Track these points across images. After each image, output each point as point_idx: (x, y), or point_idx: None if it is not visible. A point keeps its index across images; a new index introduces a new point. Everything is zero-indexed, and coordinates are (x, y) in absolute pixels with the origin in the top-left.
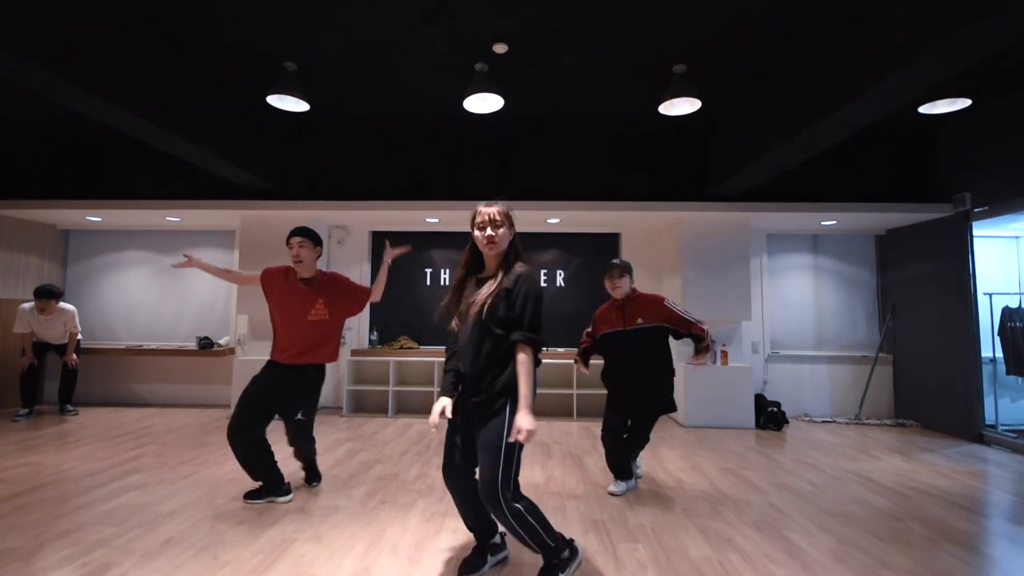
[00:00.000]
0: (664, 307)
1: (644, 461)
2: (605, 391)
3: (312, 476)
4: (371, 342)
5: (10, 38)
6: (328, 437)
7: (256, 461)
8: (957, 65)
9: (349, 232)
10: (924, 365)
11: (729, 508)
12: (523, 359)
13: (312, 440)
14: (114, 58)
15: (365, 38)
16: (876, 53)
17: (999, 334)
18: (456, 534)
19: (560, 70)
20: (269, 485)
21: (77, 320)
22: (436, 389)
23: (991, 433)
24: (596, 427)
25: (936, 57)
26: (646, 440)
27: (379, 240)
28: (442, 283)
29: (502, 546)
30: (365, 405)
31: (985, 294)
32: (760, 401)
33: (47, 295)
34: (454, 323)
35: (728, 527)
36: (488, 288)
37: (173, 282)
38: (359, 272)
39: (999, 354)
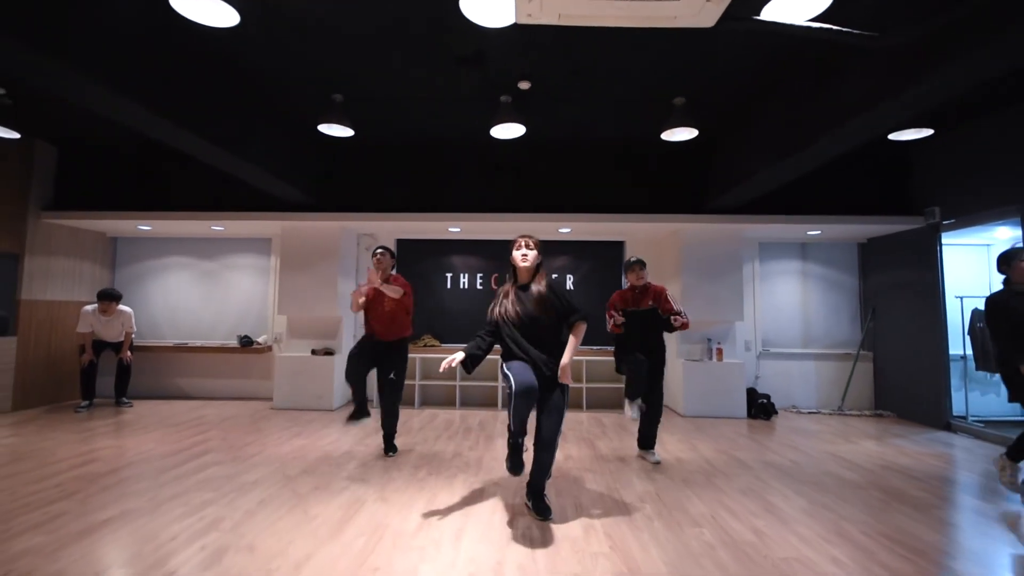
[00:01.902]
0: (665, 297)
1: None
2: (610, 385)
3: (389, 447)
4: None
5: (100, 72)
6: (367, 425)
7: (359, 385)
8: (913, 110)
9: (377, 240)
10: (900, 361)
11: (720, 479)
12: (580, 331)
13: (399, 398)
14: (187, 88)
15: (404, 75)
16: (846, 95)
17: (969, 333)
18: (497, 500)
19: (575, 102)
20: (360, 407)
21: (133, 321)
22: (457, 383)
23: (959, 422)
24: (605, 417)
25: (892, 106)
26: (659, 394)
27: (404, 247)
28: (461, 287)
29: None
30: None
31: (956, 297)
32: (752, 394)
33: (109, 298)
34: (502, 317)
35: (719, 492)
36: (539, 301)
37: (214, 285)
38: None
39: (969, 351)
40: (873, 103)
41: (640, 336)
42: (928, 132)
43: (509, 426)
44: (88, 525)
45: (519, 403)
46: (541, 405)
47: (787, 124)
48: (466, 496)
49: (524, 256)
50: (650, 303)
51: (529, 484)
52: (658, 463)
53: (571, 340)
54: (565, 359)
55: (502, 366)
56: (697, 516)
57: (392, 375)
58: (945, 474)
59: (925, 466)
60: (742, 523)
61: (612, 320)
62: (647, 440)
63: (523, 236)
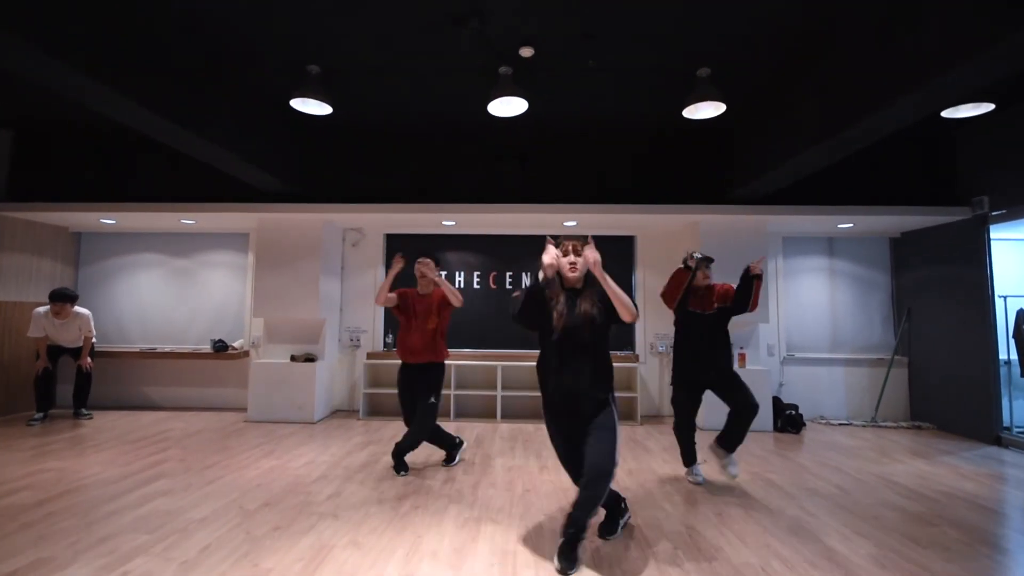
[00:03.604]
0: (730, 289)
1: (669, 465)
2: (624, 395)
3: (400, 466)
4: (386, 345)
5: (41, 38)
6: (349, 440)
7: (434, 437)
8: (989, 76)
9: (364, 235)
10: (940, 367)
11: (761, 513)
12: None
13: (432, 422)
14: (140, 59)
15: (389, 42)
16: (909, 62)
17: (1014, 336)
18: (494, 540)
19: (584, 73)
20: (450, 450)
21: (92, 324)
22: (452, 392)
23: (1008, 436)
24: (623, 429)
25: (970, 68)
26: (751, 405)
27: (393, 243)
28: (457, 285)
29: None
30: (381, 408)
31: (1000, 296)
32: (777, 404)
33: (62, 299)
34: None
35: (763, 531)
36: (586, 307)
37: (186, 284)
38: (374, 275)
39: (1014, 356)
40: (944, 69)
41: (701, 344)
42: (989, 107)
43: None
44: None
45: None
46: (584, 430)
47: (834, 98)
48: (458, 538)
49: (572, 265)
50: (716, 305)
51: (569, 514)
52: (735, 476)
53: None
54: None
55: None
56: (743, 568)
57: (432, 399)
58: (1018, 502)
59: (993, 491)
60: None
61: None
62: (730, 440)
63: (567, 239)
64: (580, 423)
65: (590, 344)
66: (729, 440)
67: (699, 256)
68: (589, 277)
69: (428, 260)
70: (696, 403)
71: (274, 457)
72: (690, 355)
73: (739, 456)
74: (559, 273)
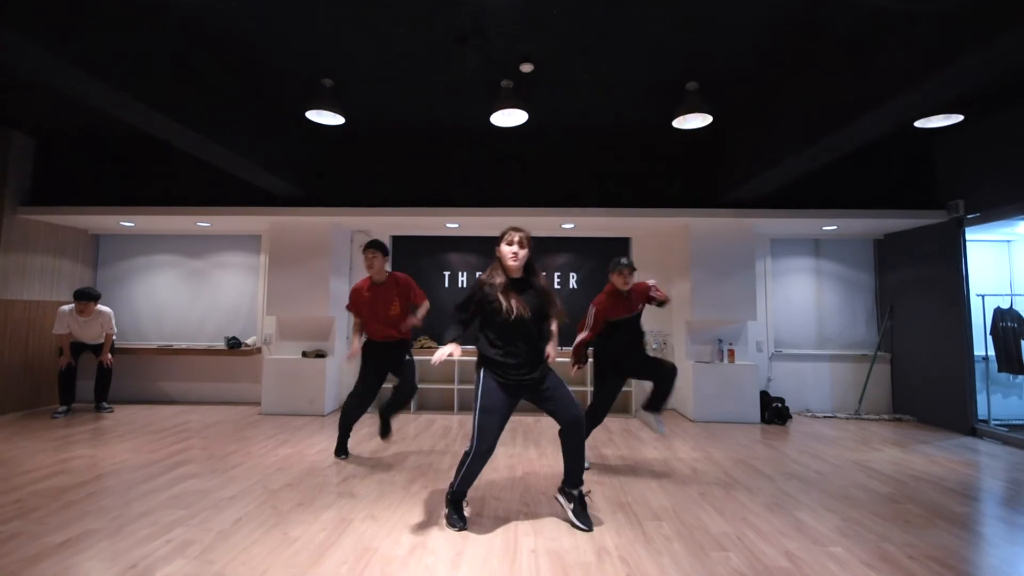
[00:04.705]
0: (649, 287)
1: (659, 452)
2: (624, 389)
3: (386, 429)
4: None
5: (67, 49)
6: (358, 431)
7: (346, 426)
8: (958, 88)
9: (371, 236)
10: (920, 363)
11: (742, 492)
12: (555, 326)
13: (414, 382)
14: (168, 74)
15: (397, 57)
16: (882, 76)
17: (991, 333)
18: (497, 514)
19: (580, 86)
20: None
21: (113, 321)
22: (456, 387)
23: (983, 427)
24: (610, 421)
25: (936, 82)
26: (668, 366)
27: (400, 244)
28: (460, 286)
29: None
30: None
31: (978, 295)
32: (765, 397)
33: (87, 297)
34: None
35: (742, 508)
36: (530, 301)
37: (201, 284)
38: None
39: (991, 352)
40: (911, 84)
41: (630, 345)
42: (958, 118)
43: (453, 483)
44: (41, 550)
45: (476, 465)
46: (542, 396)
47: (814, 108)
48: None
49: (515, 255)
50: (640, 306)
51: (566, 480)
52: (663, 434)
53: (554, 331)
54: (553, 344)
55: (479, 391)
56: (720, 536)
57: (408, 356)
58: (982, 485)
59: (959, 476)
60: (772, 545)
61: (587, 333)
62: (656, 402)
63: (514, 230)
64: (528, 391)
65: (533, 329)
66: (655, 403)
67: (624, 262)
68: (528, 267)
69: (370, 251)
70: (619, 389)
71: (290, 446)
72: (616, 354)
73: (728, 446)
74: (501, 263)
